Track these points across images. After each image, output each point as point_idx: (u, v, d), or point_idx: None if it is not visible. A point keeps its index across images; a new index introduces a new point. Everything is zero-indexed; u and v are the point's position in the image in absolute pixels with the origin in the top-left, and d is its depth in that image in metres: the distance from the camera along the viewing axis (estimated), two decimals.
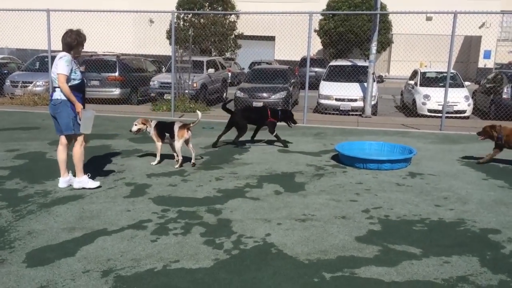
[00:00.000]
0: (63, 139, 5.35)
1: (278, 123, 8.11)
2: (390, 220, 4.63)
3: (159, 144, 6.50)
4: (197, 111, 6.97)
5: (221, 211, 4.78)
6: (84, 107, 5.19)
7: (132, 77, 14.47)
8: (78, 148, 5.27)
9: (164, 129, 6.46)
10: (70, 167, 5.42)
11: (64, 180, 5.43)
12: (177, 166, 6.44)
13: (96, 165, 6.40)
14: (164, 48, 26.65)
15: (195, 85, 13.78)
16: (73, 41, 5.11)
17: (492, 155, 6.95)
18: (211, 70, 15.40)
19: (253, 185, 5.71)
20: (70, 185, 5.42)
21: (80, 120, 5.11)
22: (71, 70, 5.06)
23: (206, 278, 3.38)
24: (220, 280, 3.35)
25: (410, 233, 4.30)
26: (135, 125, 6.50)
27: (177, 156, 6.47)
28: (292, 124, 8.26)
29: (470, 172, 6.52)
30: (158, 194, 5.29)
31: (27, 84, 14.09)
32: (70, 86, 5.02)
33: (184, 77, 13.31)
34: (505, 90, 12.55)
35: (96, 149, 6.24)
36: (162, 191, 5.41)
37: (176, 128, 6.38)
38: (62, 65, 4.97)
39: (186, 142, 6.45)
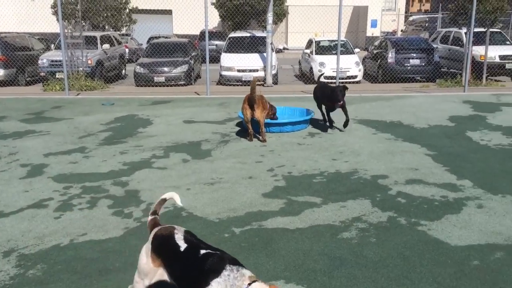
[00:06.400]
0: None
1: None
2: (293, 176, 4.92)
3: None
4: None
5: (128, 183, 4.71)
6: None
7: (17, 56, 13.24)
8: None
9: None
10: None
11: None
12: None
13: None
14: (50, 24, 24.50)
15: (89, 61, 13.02)
16: None
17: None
18: (106, 46, 14.62)
19: (159, 156, 5.67)
20: None
21: None
22: None
23: (117, 246, 3.36)
24: (131, 246, 3.35)
25: (311, 185, 4.62)
26: None
27: None
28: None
29: (361, 129, 7.10)
30: (58, 172, 5.04)
31: None
32: None
33: (76, 54, 12.52)
34: (390, 55, 13.64)
35: None
36: (62, 169, 5.15)
37: None
38: None
39: None
